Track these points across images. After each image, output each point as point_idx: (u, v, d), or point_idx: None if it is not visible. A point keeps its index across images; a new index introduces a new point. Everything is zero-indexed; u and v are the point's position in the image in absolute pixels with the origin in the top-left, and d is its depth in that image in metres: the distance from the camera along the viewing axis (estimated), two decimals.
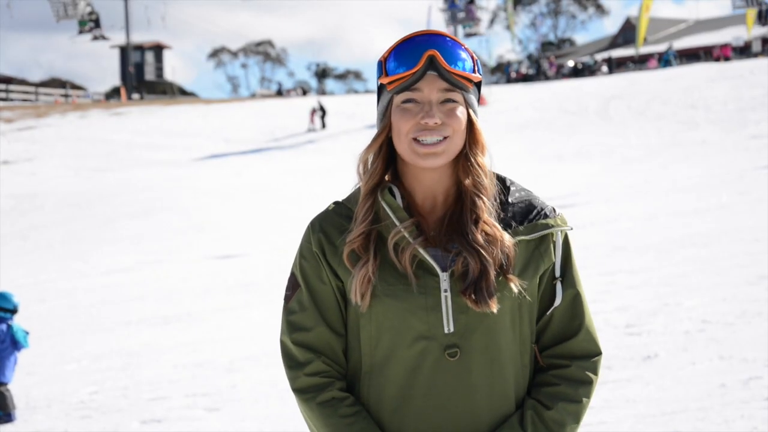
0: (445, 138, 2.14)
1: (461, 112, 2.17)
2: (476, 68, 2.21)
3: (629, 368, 7.86)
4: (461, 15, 65.35)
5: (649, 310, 10.01)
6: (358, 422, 2.18)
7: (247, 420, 7.70)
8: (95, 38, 61.06)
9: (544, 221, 2.23)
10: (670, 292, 10.82)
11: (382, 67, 2.21)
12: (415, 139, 2.15)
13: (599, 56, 68.05)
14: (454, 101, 2.16)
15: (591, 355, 2.27)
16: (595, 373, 2.27)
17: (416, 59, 2.15)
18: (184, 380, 9.33)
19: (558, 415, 2.20)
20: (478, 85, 2.23)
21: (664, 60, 55.42)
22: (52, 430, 8.07)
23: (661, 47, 65.38)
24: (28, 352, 9.31)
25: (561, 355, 2.26)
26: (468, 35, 55.62)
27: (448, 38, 2.18)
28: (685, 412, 6.51)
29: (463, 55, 2.19)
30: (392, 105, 2.19)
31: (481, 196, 2.19)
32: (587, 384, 2.24)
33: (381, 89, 2.24)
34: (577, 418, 2.22)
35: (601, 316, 9.75)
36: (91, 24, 61.06)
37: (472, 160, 2.19)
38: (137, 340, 11.61)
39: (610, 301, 10.59)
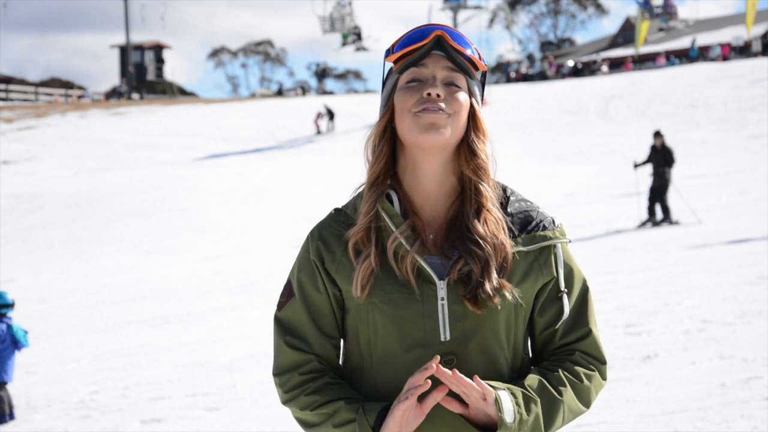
0: (447, 115, 2.13)
1: (464, 97, 2.15)
2: (481, 60, 2.21)
3: (629, 368, 7.86)
4: (659, 10, 66.64)
5: (649, 310, 10.01)
6: (343, 384, 2.20)
7: (247, 420, 7.70)
8: (357, 50, 63.84)
9: (542, 233, 2.19)
10: (670, 292, 10.82)
11: (390, 52, 2.20)
12: (416, 114, 2.13)
13: (600, 56, 68.03)
14: (457, 86, 2.15)
15: (594, 357, 2.23)
16: (600, 372, 2.23)
17: (424, 37, 2.16)
18: (184, 380, 9.32)
19: (560, 377, 2.17)
20: (482, 78, 2.22)
21: (691, 56, 56.21)
22: (52, 430, 8.07)
23: (660, 47, 65.38)
24: (28, 351, 9.30)
25: (564, 350, 2.23)
26: (661, 30, 56.58)
27: (455, 30, 2.20)
28: (685, 412, 6.51)
29: (470, 46, 2.19)
30: (397, 87, 2.18)
31: (483, 182, 2.16)
32: (590, 369, 2.20)
33: (386, 79, 2.23)
34: (575, 390, 2.17)
35: (601, 316, 9.75)
36: (354, 37, 63.68)
37: (474, 146, 2.16)
38: (137, 340, 11.60)
39: (610, 301, 10.58)
